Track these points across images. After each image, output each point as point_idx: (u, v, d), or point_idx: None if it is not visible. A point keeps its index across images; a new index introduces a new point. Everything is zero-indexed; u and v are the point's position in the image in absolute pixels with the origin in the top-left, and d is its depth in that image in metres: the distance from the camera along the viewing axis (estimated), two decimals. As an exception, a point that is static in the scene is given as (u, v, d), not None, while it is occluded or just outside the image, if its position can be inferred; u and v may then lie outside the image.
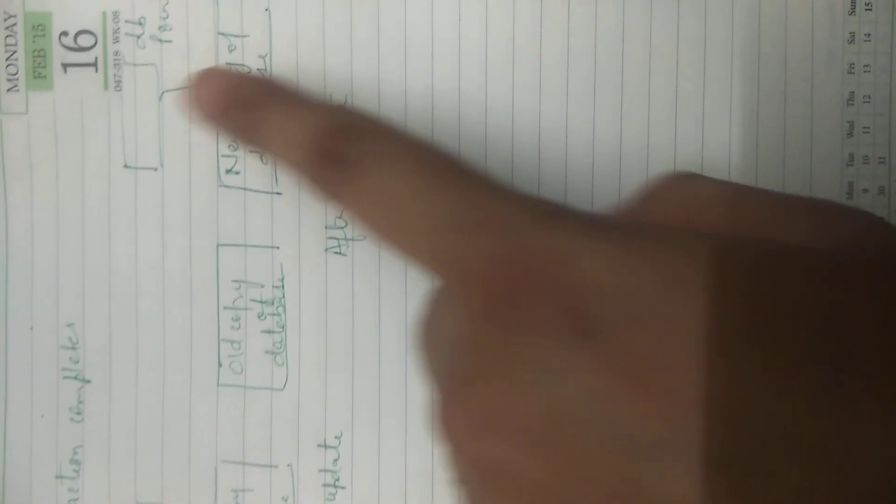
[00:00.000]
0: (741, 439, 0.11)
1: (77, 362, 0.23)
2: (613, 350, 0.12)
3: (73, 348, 0.23)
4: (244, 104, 0.20)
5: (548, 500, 0.13)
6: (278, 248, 0.23)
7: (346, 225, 0.22)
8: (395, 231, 0.16)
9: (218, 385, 0.23)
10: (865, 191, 0.22)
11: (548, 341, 0.13)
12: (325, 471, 0.23)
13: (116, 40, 0.23)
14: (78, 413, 0.23)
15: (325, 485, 0.23)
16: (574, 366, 0.12)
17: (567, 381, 0.12)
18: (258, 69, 0.22)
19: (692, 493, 0.11)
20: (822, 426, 0.11)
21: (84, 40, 0.23)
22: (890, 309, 0.12)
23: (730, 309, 0.12)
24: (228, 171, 0.23)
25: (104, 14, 0.23)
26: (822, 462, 0.11)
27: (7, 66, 0.23)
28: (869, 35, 0.22)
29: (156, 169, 0.23)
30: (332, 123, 0.18)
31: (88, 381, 0.23)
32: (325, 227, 0.22)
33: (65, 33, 0.23)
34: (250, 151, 0.22)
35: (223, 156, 0.22)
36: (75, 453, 0.23)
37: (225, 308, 0.23)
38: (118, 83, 0.23)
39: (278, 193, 0.22)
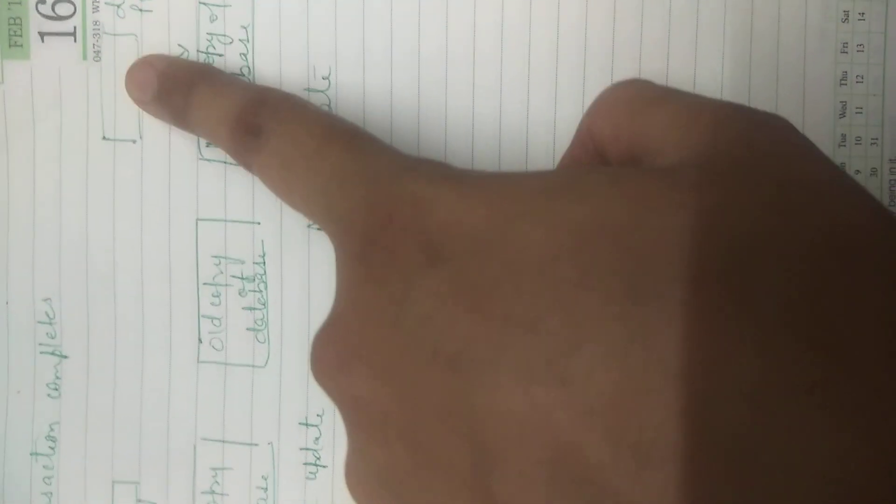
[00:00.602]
0: (562, 353, 0.12)
1: (54, 338, 0.23)
2: (457, 277, 0.13)
3: (50, 323, 0.23)
4: (173, 88, 0.21)
5: (396, 430, 0.13)
6: (259, 223, 0.22)
7: (329, 201, 0.22)
8: (293, 191, 0.17)
9: (198, 362, 0.22)
10: (857, 172, 0.22)
11: (403, 273, 0.14)
12: (306, 449, 0.22)
13: (96, 9, 0.22)
14: (55, 389, 0.23)
15: (305, 463, 0.22)
16: (423, 293, 0.13)
17: (414, 308, 0.13)
18: (240, 39, 0.22)
19: (519, 405, 0.12)
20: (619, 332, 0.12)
21: (62, 9, 0.22)
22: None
23: (556, 239, 0.13)
24: (209, 145, 0.22)
25: (83, -19, 0.22)
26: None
27: (-18, 33, 0.22)
28: (863, 14, 0.22)
29: (135, 141, 0.22)
30: (250, 99, 0.19)
31: (66, 357, 0.23)
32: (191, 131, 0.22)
33: (42, 1, 0.22)
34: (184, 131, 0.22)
35: (203, 128, 0.22)
36: (51, 430, 0.23)
37: (205, 284, 0.22)
38: (97, 53, 0.22)
39: (260, 167, 0.22)
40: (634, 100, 0.16)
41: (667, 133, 0.15)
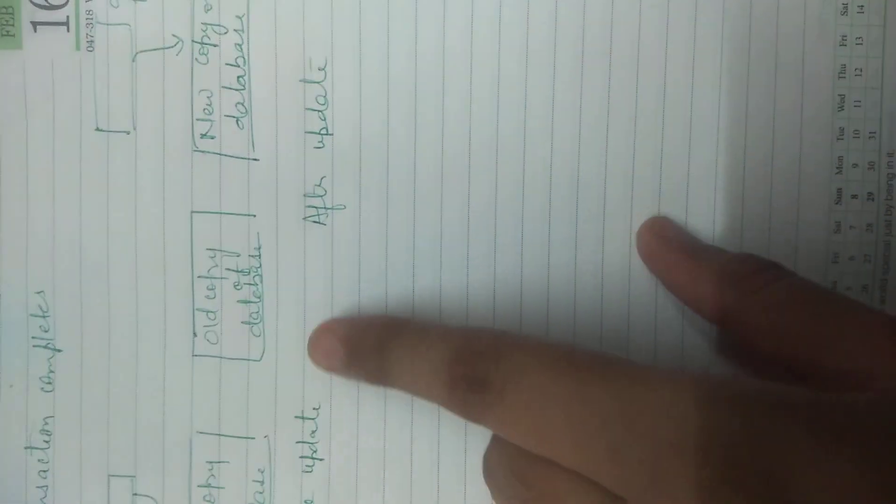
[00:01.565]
0: None
1: (47, 331, 0.23)
2: None
3: (44, 316, 0.22)
4: (363, 353, 0.20)
5: None
6: (255, 216, 0.22)
7: (325, 193, 0.22)
8: (550, 443, 0.16)
9: (193, 355, 0.22)
10: (855, 165, 0.22)
11: None
12: (302, 442, 0.22)
13: (88, -2, 0.22)
14: (49, 383, 0.23)
15: (302, 457, 0.22)
16: None
17: None
18: (235, 29, 0.22)
19: None
20: None
21: (54, -3, 0.22)
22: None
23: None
24: (203, 136, 0.22)
25: (75, -30, 0.22)
26: None
27: (-27, 23, 0.22)
28: (862, 7, 0.22)
29: (128, 132, 0.22)
30: (459, 349, 0.18)
31: (59, 351, 0.23)
32: (304, 195, 0.22)
33: (33, -11, 0.22)
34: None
35: (198, 119, 0.22)
36: (46, 424, 0.23)
37: (199, 277, 0.22)
38: (90, 43, 0.22)
39: (255, 159, 0.22)
40: (808, 301, 0.18)
41: (874, 357, 0.16)
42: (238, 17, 0.22)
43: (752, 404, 0.15)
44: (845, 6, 0.22)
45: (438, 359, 0.18)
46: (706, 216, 0.22)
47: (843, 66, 0.22)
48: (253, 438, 0.22)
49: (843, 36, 0.22)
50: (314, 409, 0.22)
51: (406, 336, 0.19)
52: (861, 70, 0.22)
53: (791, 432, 0.14)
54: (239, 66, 0.22)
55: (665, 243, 0.21)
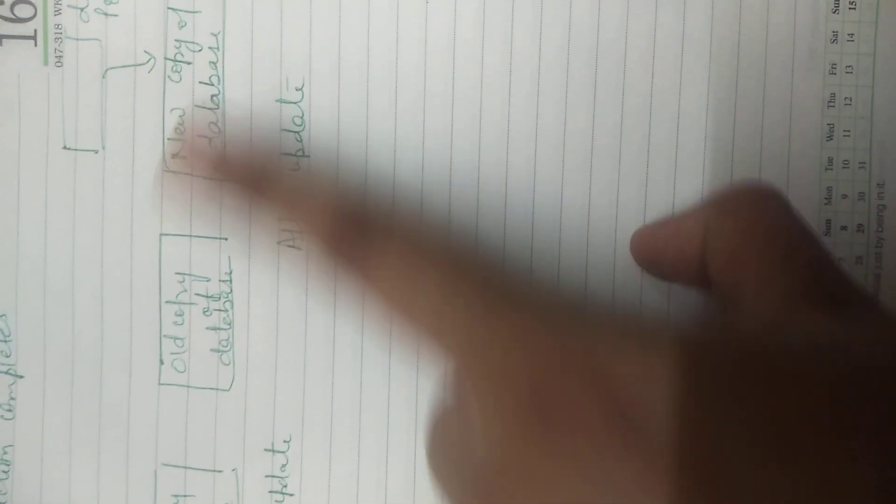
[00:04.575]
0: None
1: (9, 356, 0.22)
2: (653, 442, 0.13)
3: (5, 341, 0.22)
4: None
5: None
6: (226, 239, 0.21)
7: (300, 217, 0.21)
8: (411, 309, 0.16)
9: (159, 384, 0.21)
10: (844, 196, 0.22)
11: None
12: (272, 476, 0.21)
13: (58, 12, 0.21)
14: (9, 410, 0.22)
15: (271, 491, 0.21)
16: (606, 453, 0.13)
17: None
18: (210, 47, 0.21)
19: None
20: None
21: (22, 11, 0.21)
22: None
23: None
24: (174, 156, 0.21)
25: (44, -17, 0.21)
26: None
27: (-63, 35, 0.21)
28: (852, 35, 0.22)
29: (97, 151, 0.21)
30: (356, 200, 0.18)
31: (21, 377, 0.22)
32: (278, 219, 0.21)
33: (0, 2, 0.21)
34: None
35: (169, 139, 0.21)
36: (5, 453, 0.22)
37: (167, 302, 0.21)
38: (59, 58, 0.21)
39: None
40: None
41: None
42: (213, 34, 0.21)
43: None
44: (835, 34, 0.21)
45: (331, 198, 0.18)
46: (693, 246, 0.21)
47: (833, 94, 0.22)
48: (220, 471, 0.21)
49: (833, 64, 0.21)
50: (285, 441, 0.21)
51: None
52: (851, 99, 0.22)
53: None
54: (213, 85, 0.21)
55: (653, 224, 0.21)
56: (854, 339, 0.15)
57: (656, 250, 0.20)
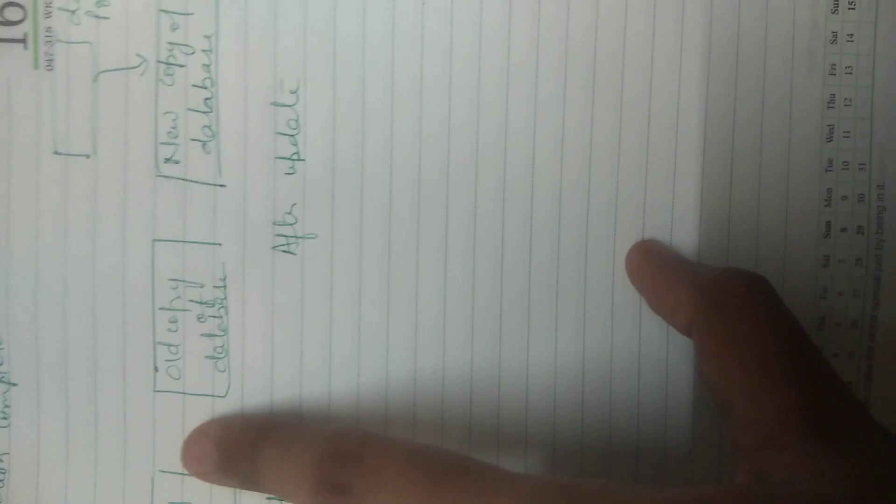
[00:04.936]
0: None
1: (2, 363, 0.21)
2: None
3: (-3, 348, 0.21)
4: (236, 455, 0.20)
5: None
6: (220, 244, 0.21)
7: (295, 221, 0.21)
8: None
9: (154, 391, 0.21)
10: (844, 198, 0.21)
11: None
12: (269, 483, 0.21)
13: (48, 15, 0.21)
14: (4, 418, 0.21)
15: (269, 498, 0.21)
16: None
17: None
18: (203, 50, 0.21)
19: None
20: None
21: (11, 13, 0.21)
22: None
23: None
24: (167, 160, 0.21)
25: (34, -15, 0.21)
26: None
27: (-75, 38, 0.21)
28: (852, 35, 0.21)
29: (88, 156, 0.21)
30: (324, 454, 0.18)
31: (15, 385, 0.21)
32: (273, 224, 0.21)
33: (-11, 5, 0.21)
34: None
35: (162, 143, 0.21)
36: (0, 461, 0.21)
37: (161, 309, 0.21)
38: (49, 62, 0.21)
39: (222, 185, 0.21)
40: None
41: None
42: (206, 36, 0.21)
43: None
44: (835, 35, 0.21)
45: (305, 462, 0.18)
46: (690, 248, 0.21)
47: (833, 95, 0.21)
48: (217, 478, 0.21)
49: (833, 65, 0.21)
50: (282, 447, 0.21)
51: (277, 438, 0.19)
52: (850, 100, 0.21)
53: None
54: (206, 88, 0.21)
55: (652, 257, 0.20)
56: (853, 475, 0.14)
57: (648, 297, 0.20)
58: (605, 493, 0.14)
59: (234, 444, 0.20)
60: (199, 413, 0.21)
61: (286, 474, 0.18)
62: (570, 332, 0.21)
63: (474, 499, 0.15)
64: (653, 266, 0.20)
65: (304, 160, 0.21)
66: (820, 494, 0.14)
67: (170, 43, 0.21)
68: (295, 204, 0.21)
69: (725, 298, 0.18)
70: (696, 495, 0.14)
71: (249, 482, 0.19)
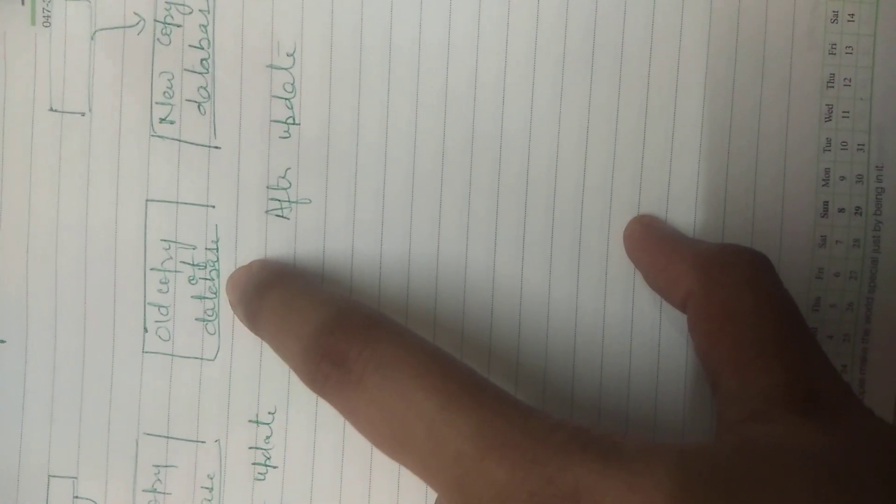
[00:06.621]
0: None
1: (-10, 321, 0.21)
2: None
3: (-13, 306, 0.21)
4: (254, 289, 0.19)
5: None
6: (214, 206, 0.21)
7: (289, 185, 0.21)
8: (400, 451, 0.15)
9: (143, 352, 0.21)
10: (842, 178, 0.21)
11: None
12: (255, 448, 0.21)
13: (47, -28, 0.21)
14: (-10, 376, 0.21)
15: (255, 463, 0.21)
16: None
17: None
18: (200, 10, 0.21)
19: None
20: None
21: (10, -31, 0.21)
22: None
23: None
24: (162, 120, 0.21)
25: (33, -59, 0.21)
26: None
27: (-77, -8, 0.21)
28: (853, 15, 0.21)
29: (83, 114, 0.21)
30: (332, 319, 0.16)
31: (2, 341, 0.21)
32: (267, 187, 0.21)
33: (-12, -41, 0.21)
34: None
35: (157, 103, 0.21)
36: (-15, 419, 0.21)
37: (152, 269, 0.21)
38: (47, 18, 0.21)
39: (216, 147, 0.21)
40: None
41: None
42: (205, -3, 0.21)
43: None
44: (835, 14, 0.21)
45: (307, 322, 0.16)
46: (687, 227, 0.21)
47: (832, 75, 0.21)
48: (203, 442, 0.21)
49: (833, 45, 0.21)
50: (269, 413, 0.21)
51: (288, 287, 0.18)
52: (850, 80, 0.21)
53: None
54: (203, 49, 0.21)
55: (652, 230, 0.20)
56: (833, 444, 0.14)
57: (645, 270, 0.20)
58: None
59: (257, 280, 0.19)
60: (187, 376, 0.21)
61: (286, 325, 0.17)
62: (563, 305, 0.21)
63: (492, 422, 0.14)
64: (652, 238, 0.20)
65: (299, 124, 0.21)
66: (803, 448, 0.14)
67: (167, 2, 0.21)
68: (289, 168, 0.21)
69: (725, 274, 0.18)
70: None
71: (251, 320, 0.18)
